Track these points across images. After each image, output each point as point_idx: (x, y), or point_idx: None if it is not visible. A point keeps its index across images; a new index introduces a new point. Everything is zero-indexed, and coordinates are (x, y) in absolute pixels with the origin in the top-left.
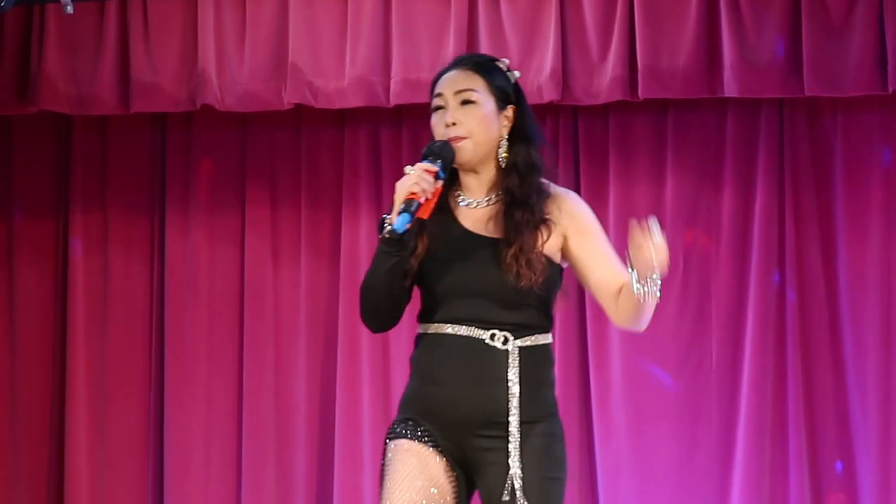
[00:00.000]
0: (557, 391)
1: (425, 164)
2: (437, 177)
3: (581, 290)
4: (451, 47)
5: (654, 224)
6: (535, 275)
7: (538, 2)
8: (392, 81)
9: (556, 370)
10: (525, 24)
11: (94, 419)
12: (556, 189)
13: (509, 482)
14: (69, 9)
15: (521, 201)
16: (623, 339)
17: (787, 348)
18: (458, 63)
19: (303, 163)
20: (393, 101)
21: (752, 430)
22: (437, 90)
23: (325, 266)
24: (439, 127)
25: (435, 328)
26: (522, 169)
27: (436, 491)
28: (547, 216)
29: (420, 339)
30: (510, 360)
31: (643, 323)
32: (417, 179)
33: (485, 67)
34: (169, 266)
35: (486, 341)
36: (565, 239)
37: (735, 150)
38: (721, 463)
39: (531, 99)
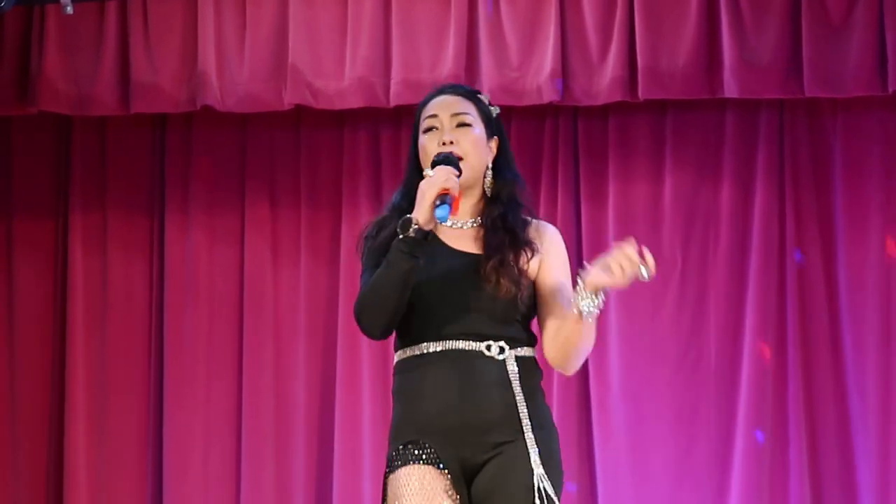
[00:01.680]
0: (556, 391)
1: (447, 168)
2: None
3: None
4: (452, 48)
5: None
6: (515, 287)
7: (538, 2)
8: (392, 82)
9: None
10: (525, 25)
11: (94, 419)
12: (538, 223)
13: (535, 484)
14: (69, 9)
15: (504, 228)
16: (622, 338)
17: (787, 348)
18: (448, 89)
19: (302, 163)
20: (393, 102)
21: (751, 429)
22: (431, 112)
23: (325, 266)
24: (431, 146)
25: (420, 349)
26: (506, 201)
27: None
28: (531, 239)
29: (402, 364)
30: (509, 368)
31: (575, 361)
32: (448, 176)
33: (474, 96)
34: (168, 266)
35: (484, 352)
36: (540, 263)
37: (735, 150)
38: (720, 463)
39: (531, 99)
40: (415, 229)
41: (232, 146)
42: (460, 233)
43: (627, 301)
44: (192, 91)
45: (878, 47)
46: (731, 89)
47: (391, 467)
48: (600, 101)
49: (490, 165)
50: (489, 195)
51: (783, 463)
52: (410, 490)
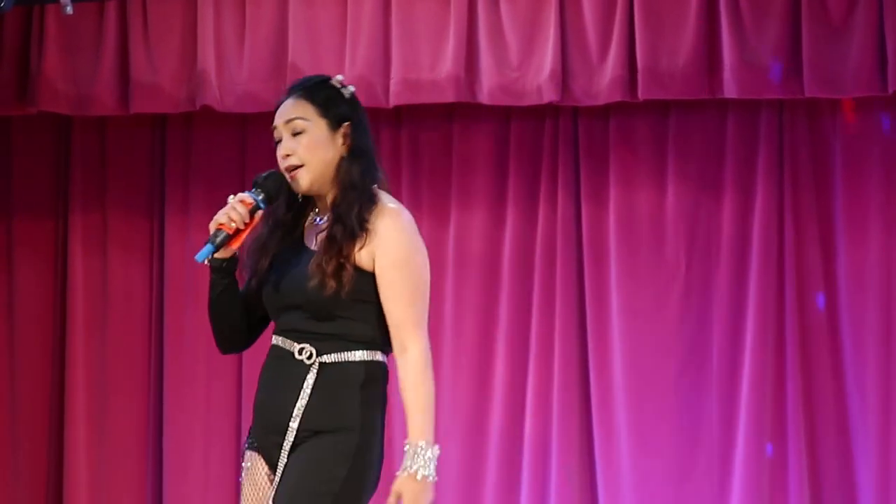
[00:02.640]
0: (557, 391)
1: (243, 195)
2: (255, 207)
3: (581, 290)
4: (451, 47)
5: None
6: (339, 284)
7: (538, 2)
8: (392, 82)
9: (556, 370)
10: (525, 25)
11: (94, 419)
12: (388, 204)
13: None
14: (69, 9)
15: (340, 217)
16: (623, 340)
17: (787, 349)
18: (290, 91)
19: None
20: (392, 102)
21: (752, 431)
22: (274, 122)
23: None
24: (279, 157)
25: (272, 340)
26: (347, 186)
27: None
28: (366, 226)
29: None
30: (308, 374)
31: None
32: (229, 211)
33: (314, 91)
34: (169, 266)
35: (295, 355)
36: (374, 259)
37: (735, 151)
38: (721, 464)
39: (531, 100)
40: (209, 259)
41: (232, 146)
42: (317, 229)
43: (630, 304)
44: (192, 91)
45: (878, 48)
46: (730, 90)
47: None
48: (600, 102)
49: (346, 154)
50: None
51: (782, 464)
52: (245, 476)
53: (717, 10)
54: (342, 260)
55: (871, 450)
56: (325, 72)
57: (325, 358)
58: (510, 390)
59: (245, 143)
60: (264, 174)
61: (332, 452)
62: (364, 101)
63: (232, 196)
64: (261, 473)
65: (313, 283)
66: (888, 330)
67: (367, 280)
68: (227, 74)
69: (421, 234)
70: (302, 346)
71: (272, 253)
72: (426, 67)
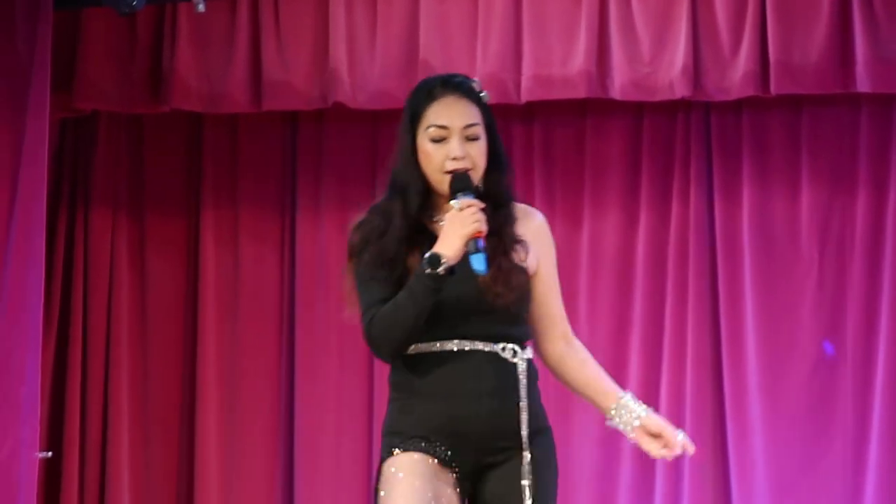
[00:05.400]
0: (691, 389)
1: (470, 200)
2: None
3: (714, 288)
4: (583, 43)
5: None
6: (516, 293)
7: None
8: (523, 78)
9: (689, 369)
10: (656, 20)
11: (225, 413)
12: (524, 209)
13: (526, 492)
14: (201, 7)
15: (494, 230)
16: (758, 337)
17: None
18: (455, 89)
19: None
20: (524, 98)
21: (887, 429)
22: (442, 121)
23: None
24: (438, 157)
25: (438, 346)
26: (496, 198)
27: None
28: (520, 238)
29: (416, 359)
30: (520, 372)
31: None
32: (478, 216)
33: (477, 95)
34: (300, 261)
35: (499, 353)
36: (539, 261)
37: (869, 146)
38: (854, 463)
39: (663, 95)
40: (445, 267)
41: (363, 143)
42: None
43: (764, 301)
44: (324, 88)
45: None
46: (863, 84)
47: (392, 454)
48: (732, 96)
49: (489, 162)
50: (481, 190)
51: None
52: (414, 468)
53: (850, 4)
54: (516, 269)
55: None
56: (456, 68)
57: (525, 355)
58: (644, 389)
59: (376, 140)
60: (463, 177)
61: (553, 452)
62: (495, 97)
63: (455, 202)
64: (440, 477)
65: (489, 294)
66: None
67: (530, 282)
68: (360, 71)
69: (553, 231)
70: (503, 345)
71: (416, 254)
72: (557, 63)
